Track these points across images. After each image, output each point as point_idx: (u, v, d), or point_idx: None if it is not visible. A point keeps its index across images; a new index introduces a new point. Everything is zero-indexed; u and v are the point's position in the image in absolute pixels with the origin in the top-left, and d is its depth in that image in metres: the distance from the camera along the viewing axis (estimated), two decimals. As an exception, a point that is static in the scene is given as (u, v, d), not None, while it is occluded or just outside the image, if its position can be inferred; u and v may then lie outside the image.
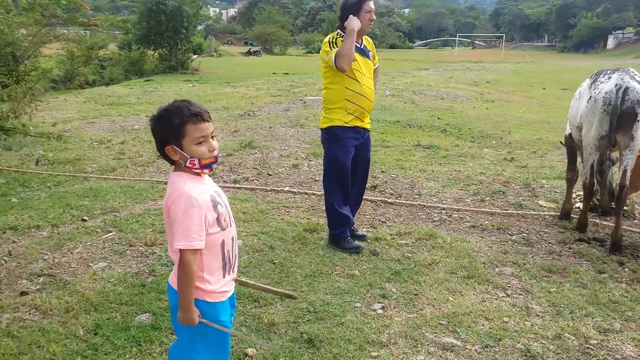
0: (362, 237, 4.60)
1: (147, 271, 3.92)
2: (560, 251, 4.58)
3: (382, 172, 6.98)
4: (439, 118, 11.81)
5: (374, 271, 3.98)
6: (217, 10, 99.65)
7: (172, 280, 2.10)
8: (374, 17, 4.23)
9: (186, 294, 1.98)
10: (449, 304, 3.50)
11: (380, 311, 3.40)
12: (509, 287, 3.82)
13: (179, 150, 1.99)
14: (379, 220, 5.21)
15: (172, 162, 2.05)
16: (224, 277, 2.11)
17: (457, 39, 79.51)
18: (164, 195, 5.45)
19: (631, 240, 4.87)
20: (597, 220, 5.39)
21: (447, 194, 6.12)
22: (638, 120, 4.46)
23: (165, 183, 6.07)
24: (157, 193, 5.85)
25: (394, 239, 4.66)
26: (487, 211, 5.58)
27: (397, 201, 5.80)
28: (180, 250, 1.93)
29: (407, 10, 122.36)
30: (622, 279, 4.02)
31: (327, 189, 4.44)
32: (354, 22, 4.07)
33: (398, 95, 15.91)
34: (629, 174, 4.64)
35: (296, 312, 3.33)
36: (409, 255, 4.29)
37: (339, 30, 4.24)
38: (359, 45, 4.22)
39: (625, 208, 5.21)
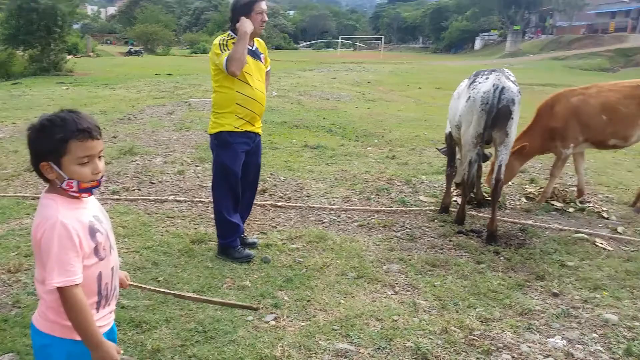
0: (253, 245, 4.50)
1: (9, 303, 3.48)
2: (442, 244, 4.78)
3: (271, 174, 6.91)
4: (324, 118, 11.97)
5: (266, 280, 3.90)
6: (96, 8, 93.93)
7: (37, 320, 1.84)
8: (266, 18, 4.11)
9: (88, 331, 1.74)
10: (341, 307, 3.50)
11: (273, 322, 3.31)
12: (397, 284, 3.91)
13: (56, 168, 1.74)
14: (269, 225, 5.13)
15: (46, 180, 1.79)
16: (97, 311, 1.87)
17: (339, 40, 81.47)
18: (31, 213, 5.03)
19: (504, 229, 5.19)
20: (474, 213, 5.70)
21: (335, 194, 6.19)
22: (512, 118, 4.76)
23: (33, 199, 5.58)
24: (24, 210, 5.32)
25: (284, 243, 4.61)
26: (373, 209, 5.70)
27: (287, 204, 5.77)
28: (59, 288, 1.69)
29: (292, 12, 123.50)
30: (498, 268, 4.26)
31: (216, 197, 4.28)
32: (246, 25, 3.92)
33: (285, 96, 15.95)
34: (503, 168, 4.95)
35: (184, 334, 3.15)
36: (301, 260, 4.26)
37: (230, 32, 4.08)
38: (250, 48, 4.07)
39: (498, 199, 5.56)
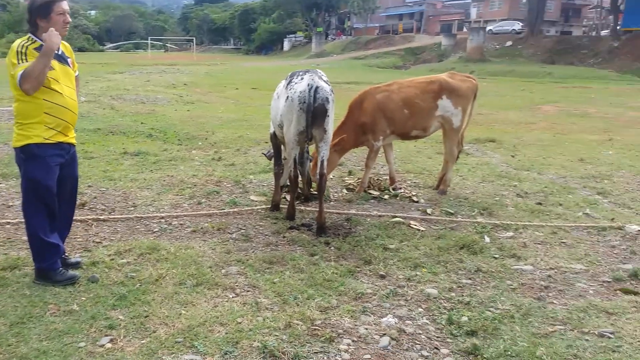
0: (77, 265, 4.14)
1: None
2: (277, 241, 4.89)
3: (89, 186, 6.43)
4: (142, 123, 11.47)
5: (96, 301, 3.61)
6: None
7: None
8: (69, 19, 3.73)
9: None
10: (183, 318, 3.40)
11: (109, 345, 3.09)
12: (237, 286, 3.92)
13: None
14: (94, 241, 4.77)
15: None
16: None
17: (149, 41, 78.34)
18: None
19: (332, 221, 5.48)
20: (303, 207, 5.92)
21: (164, 202, 5.98)
22: (328, 116, 5.03)
23: None
24: None
25: (113, 259, 4.32)
26: (205, 213, 5.62)
27: (111, 217, 5.41)
28: None
29: (93, 12, 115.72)
30: (330, 258, 4.49)
31: (28, 217, 3.83)
32: (54, 40, 3.49)
33: (95, 101, 14.95)
34: (325, 163, 5.21)
35: (6, 372, 2.81)
36: (133, 274, 4.03)
37: (30, 35, 3.66)
38: (56, 52, 3.69)
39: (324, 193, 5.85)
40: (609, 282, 4.10)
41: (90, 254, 4.43)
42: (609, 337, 3.25)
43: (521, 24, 54.33)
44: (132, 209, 5.73)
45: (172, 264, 4.24)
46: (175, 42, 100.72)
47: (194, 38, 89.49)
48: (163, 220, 5.37)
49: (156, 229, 5.13)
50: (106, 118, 11.96)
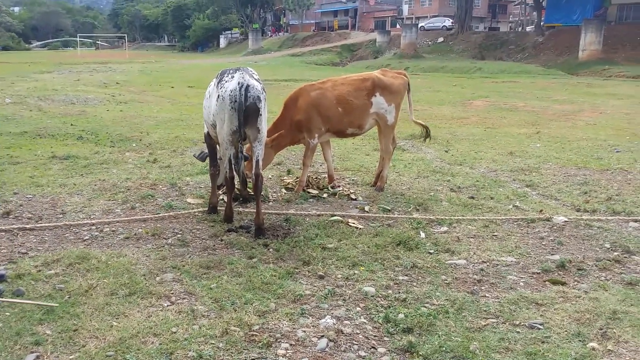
0: (1, 278, 3.92)
1: None
2: (214, 245, 4.81)
3: (15, 193, 6.12)
4: (72, 124, 11.04)
5: (21, 316, 3.43)
6: None
7: None
8: None
9: None
10: (114, 330, 3.28)
11: (36, 362, 2.96)
12: (173, 293, 3.82)
13: None
14: (19, 252, 4.53)
15: None
16: None
17: (78, 39, 75.35)
18: None
19: (270, 222, 5.44)
20: (241, 209, 5.85)
21: (95, 208, 5.76)
22: (261, 114, 4.98)
23: None
24: None
25: (40, 270, 4.12)
26: (139, 219, 5.45)
27: (39, 225, 5.16)
28: None
29: (16, 9, 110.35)
30: (269, 260, 4.46)
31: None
32: None
33: (21, 102, 14.27)
34: (261, 163, 5.16)
35: None
36: (62, 286, 3.85)
37: None
38: None
39: (261, 193, 5.80)
40: (538, 273, 4.27)
41: (15, 266, 4.21)
42: (539, 329, 3.38)
43: (451, 20, 55.93)
44: (61, 216, 5.49)
45: (103, 273, 4.09)
46: (106, 39, 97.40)
47: (125, 35, 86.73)
48: (94, 228, 5.17)
49: (87, 237, 4.93)
50: (33, 120, 11.42)
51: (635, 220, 5.52)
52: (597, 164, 8.14)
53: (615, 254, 4.64)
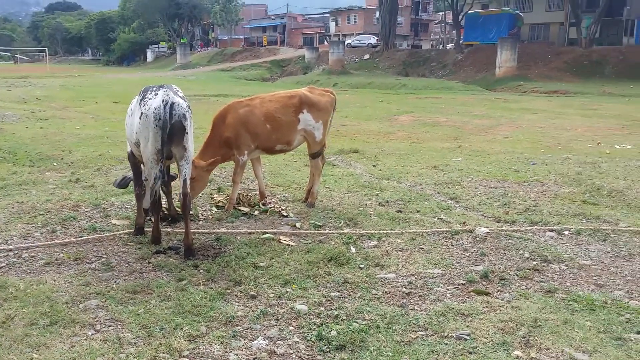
0: None
1: None
2: (141, 268, 4.67)
3: None
4: (-14, 143, 10.43)
5: None
6: None
7: None
8: None
9: None
10: (35, 363, 3.12)
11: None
12: (97, 321, 3.67)
13: None
14: None
15: None
16: None
17: (-6, 52, 71.60)
18: None
19: (201, 241, 5.35)
20: (169, 229, 5.72)
21: (13, 232, 5.46)
22: (187, 133, 4.90)
23: None
24: None
25: (-50, 302, 3.86)
26: (60, 242, 5.21)
27: (-53, 254, 4.83)
28: None
29: None
30: (199, 282, 4.37)
31: None
32: None
33: None
34: (188, 182, 5.07)
35: None
36: (-25, 318, 3.62)
37: None
38: None
39: (190, 212, 5.69)
40: (463, 284, 4.43)
41: None
42: (466, 339, 3.50)
43: (376, 38, 57.53)
44: (-26, 242, 5.16)
45: (22, 302, 3.87)
46: (25, 52, 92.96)
47: (46, 48, 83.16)
48: (11, 253, 4.90)
49: (3, 264, 4.66)
50: (-61, 139, 10.72)
51: (552, 230, 5.84)
52: (515, 176, 8.57)
53: (535, 263, 4.89)
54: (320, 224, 6.00)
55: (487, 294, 4.25)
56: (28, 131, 12.47)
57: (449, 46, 55.84)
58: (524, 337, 3.53)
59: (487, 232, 5.69)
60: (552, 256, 5.06)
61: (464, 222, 6.07)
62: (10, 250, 4.98)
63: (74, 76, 43.34)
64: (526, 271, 4.69)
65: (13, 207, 6.29)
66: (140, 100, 4.94)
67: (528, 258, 5.04)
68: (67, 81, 35.22)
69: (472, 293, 4.26)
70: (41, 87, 27.92)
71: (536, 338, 3.52)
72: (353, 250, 5.17)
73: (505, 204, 6.89)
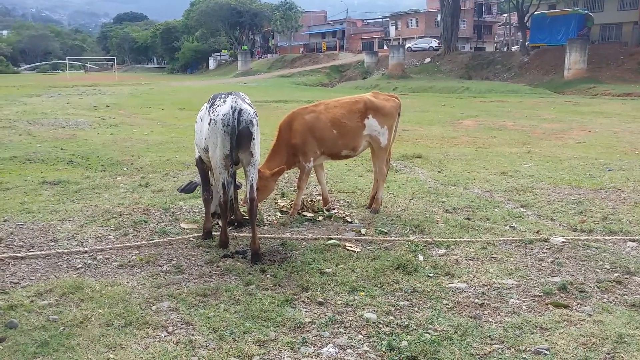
0: (-9, 310, 3.82)
1: None
2: (210, 272, 4.72)
3: (5, 221, 6.02)
4: (62, 149, 10.95)
5: (15, 350, 3.33)
6: None
7: None
8: None
9: None
10: (111, 363, 3.19)
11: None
12: (170, 323, 3.73)
13: None
14: (11, 282, 4.42)
15: None
16: None
17: (67, 62, 75.44)
18: None
19: (267, 246, 5.37)
20: (236, 234, 5.78)
21: (88, 234, 5.66)
22: (253, 139, 4.96)
23: None
24: None
25: (33, 301, 4.02)
26: (132, 245, 5.37)
27: (30, 254, 5.06)
28: None
29: (5, 32, 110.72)
30: (267, 286, 4.38)
31: None
32: None
33: (10, 126, 14.18)
34: (255, 187, 5.11)
35: None
36: (55, 317, 3.75)
37: None
38: None
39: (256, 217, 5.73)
40: (540, 296, 4.22)
41: (7, 297, 4.11)
42: (545, 354, 3.32)
43: (438, 41, 56.66)
44: (53, 244, 5.39)
45: (98, 303, 3.99)
46: (95, 62, 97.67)
47: (114, 57, 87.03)
48: (87, 255, 5.07)
49: (79, 265, 4.83)
50: (23, 145, 11.33)
51: (633, 240, 5.51)
52: (590, 182, 8.17)
53: (616, 274, 4.61)
54: (386, 231, 5.90)
55: (566, 306, 4.03)
56: (99, 137, 13.00)
57: (513, 48, 54.32)
58: (608, 354, 3.33)
59: (563, 242, 5.43)
60: (636, 268, 4.76)
61: (538, 231, 5.82)
62: (86, 252, 5.15)
63: (140, 84, 45.02)
64: (607, 283, 4.43)
65: (87, 210, 6.53)
66: (210, 107, 5.04)
67: (609, 269, 4.77)
68: (134, 89, 36.60)
69: (549, 305, 4.05)
70: (110, 95, 29.12)
71: (622, 355, 3.31)
72: (421, 258, 5.05)
73: (581, 212, 6.57)
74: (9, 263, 4.84)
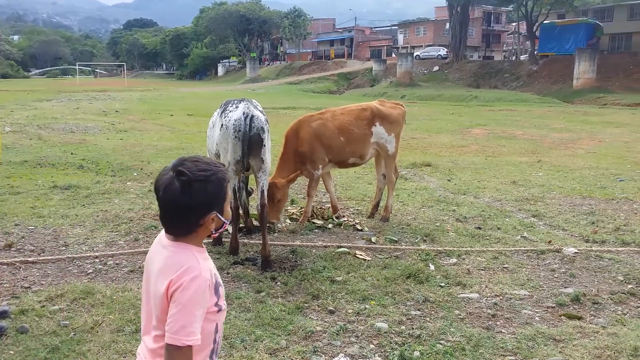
0: (4, 314, 3.82)
1: None
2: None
3: (16, 225, 6.03)
4: (72, 153, 11.00)
5: (26, 354, 3.33)
6: None
7: None
8: None
9: None
10: (123, 369, 3.18)
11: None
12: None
13: (219, 216, 1.77)
14: (22, 286, 4.42)
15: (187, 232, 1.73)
16: None
17: (77, 67, 76.05)
18: None
19: (277, 253, 5.35)
20: (246, 240, 5.77)
21: (98, 239, 5.67)
22: (264, 145, 4.97)
23: None
24: None
25: (44, 306, 4.02)
26: (143, 251, 5.35)
27: (41, 258, 5.06)
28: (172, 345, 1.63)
29: (16, 37, 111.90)
30: (277, 294, 4.36)
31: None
32: None
33: (21, 131, 14.25)
34: (266, 193, 5.11)
35: None
36: (66, 322, 3.75)
37: None
38: None
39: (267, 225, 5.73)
40: (553, 307, 4.18)
41: (18, 301, 4.11)
42: (559, 366, 3.29)
43: (446, 49, 56.62)
44: (64, 248, 5.40)
45: (109, 308, 3.98)
46: (104, 67, 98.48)
47: (124, 63, 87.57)
48: (97, 260, 5.07)
49: (90, 270, 4.83)
50: (33, 149, 11.38)
51: (646, 252, 5.46)
52: (602, 193, 8.12)
53: (630, 286, 4.57)
54: (396, 239, 5.88)
55: (579, 318, 3.99)
56: (109, 142, 13.05)
57: (522, 57, 54.23)
58: (623, 367, 3.28)
59: (576, 252, 5.38)
60: (650, 280, 4.71)
61: (550, 241, 5.78)
62: (97, 257, 5.16)
63: (149, 90, 45.22)
64: (621, 295, 4.39)
65: (98, 215, 6.54)
66: (221, 113, 5.06)
67: (622, 281, 4.72)
68: (143, 94, 36.77)
69: (563, 317, 4.01)
70: (120, 100, 29.25)
71: (638, 369, 3.26)
72: (432, 267, 5.01)
73: (593, 223, 6.52)
74: (20, 267, 4.84)
